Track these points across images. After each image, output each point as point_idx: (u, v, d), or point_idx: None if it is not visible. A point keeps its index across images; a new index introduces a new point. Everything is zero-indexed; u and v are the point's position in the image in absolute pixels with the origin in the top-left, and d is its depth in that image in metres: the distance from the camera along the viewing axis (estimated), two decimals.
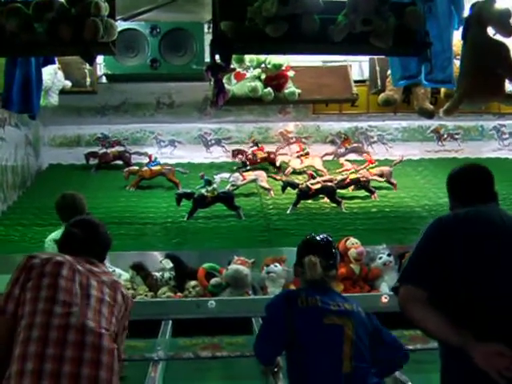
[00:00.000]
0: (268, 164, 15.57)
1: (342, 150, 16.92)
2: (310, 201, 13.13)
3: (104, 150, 16.04)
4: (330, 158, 16.57)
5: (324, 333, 3.75)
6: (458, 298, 3.28)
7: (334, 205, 12.84)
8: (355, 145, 17.12)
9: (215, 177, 13.25)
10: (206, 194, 12.15)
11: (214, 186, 12.39)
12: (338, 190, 13.11)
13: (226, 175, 13.77)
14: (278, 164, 15.48)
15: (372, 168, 14.40)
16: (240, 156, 15.85)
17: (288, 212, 12.65)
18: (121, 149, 16.18)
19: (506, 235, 3.39)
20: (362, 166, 14.30)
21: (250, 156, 15.55)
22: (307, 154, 15.71)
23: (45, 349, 3.16)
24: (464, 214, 3.51)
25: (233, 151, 16.13)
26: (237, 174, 13.80)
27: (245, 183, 13.79)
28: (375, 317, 4.01)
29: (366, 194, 13.62)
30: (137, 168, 14.67)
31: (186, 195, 12.25)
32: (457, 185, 3.77)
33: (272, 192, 13.81)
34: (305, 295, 3.85)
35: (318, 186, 12.77)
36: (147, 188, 14.58)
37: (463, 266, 3.29)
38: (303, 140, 17.09)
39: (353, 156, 16.73)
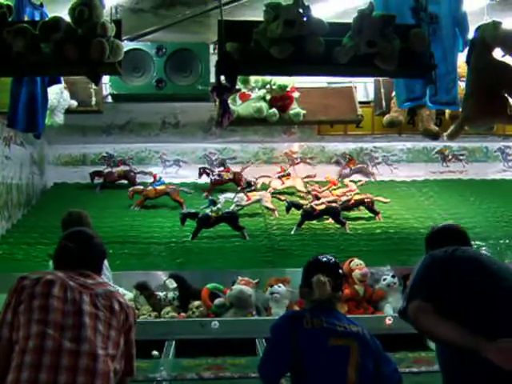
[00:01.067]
0: (234, 185, 15.43)
1: (347, 171, 16.95)
2: (314, 221, 13.12)
3: (109, 169, 16.07)
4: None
5: (329, 354, 3.72)
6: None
7: (339, 226, 12.83)
8: (360, 166, 17.16)
9: (220, 197, 13.26)
10: (210, 213, 12.15)
11: (219, 206, 12.39)
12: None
13: (230, 195, 13.77)
14: (259, 186, 15.30)
15: (334, 190, 14.44)
16: (205, 175, 15.80)
17: (292, 232, 12.64)
18: (126, 168, 16.19)
19: (499, 276, 3.57)
20: (325, 188, 14.36)
21: (216, 176, 15.55)
22: (288, 174, 15.70)
23: (38, 374, 3.13)
24: (452, 250, 3.73)
25: (199, 169, 16.00)
26: (241, 195, 13.80)
27: (249, 203, 13.79)
28: (379, 342, 3.99)
29: (371, 215, 13.60)
30: (141, 187, 14.68)
31: (190, 215, 12.25)
32: (435, 241, 4.05)
33: (276, 212, 13.80)
34: (310, 316, 3.83)
35: (323, 206, 12.77)
36: (152, 207, 14.58)
37: (457, 301, 3.47)
38: (308, 161, 17.17)
39: (357, 177, 16.78)
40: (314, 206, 12.75)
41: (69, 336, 3.26)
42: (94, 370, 3.24)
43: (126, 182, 15.69)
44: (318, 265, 4.08)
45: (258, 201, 13.89)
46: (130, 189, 14.56)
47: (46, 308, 3.30)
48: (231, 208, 13.02)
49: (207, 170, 15.82)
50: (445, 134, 7.65)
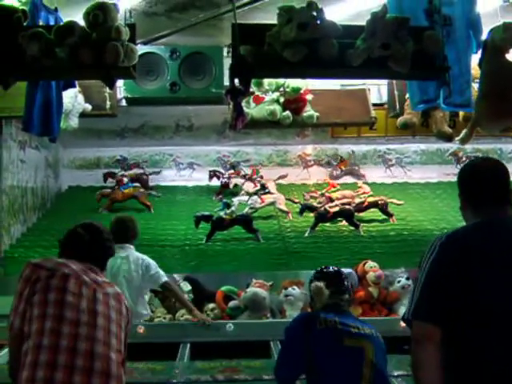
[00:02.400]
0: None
1: (338, 172, 16.98)
2: (328, 224, 13.12)
3: (122, 172, 16.05)
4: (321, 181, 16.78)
5: (343, 355, 3.74)
6: (478, 308, 3.13)
7: (353, 228, 12.82)
8: (350, 167, 17.18)
9: (234, 199, 13.29)
10: (224, 216, 12.17)
11: (233, 208, 12.40)
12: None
13: (244, 198, 13.80)
14: (231, 187, 15.45)
15: (334, 192, 14.42)
16: (215, 178, 15.80)
17: (306, 235, 12.65)
18: (138, 171, 16.20)
19: None
20: (324, 190, 14.35)
21: (226, 179, 15.54)
22: (261, 177, 15.66)
23: (54, 373, 3.15)
24: (477, 228, 3.34)
25: (209, 172, 16.07)
26: (255, 197, 13.82)
27: (263, 206, 13.81)
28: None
29: (384, 217, 13.59)
30: (109, 191, 14.65)
31: (204, 218, 12.27)
32: (468, 185, 3.58)
33: (290, 215, 13.81)
34: (323, 317, 3.85)
35: (336, 209, 12.77)
36: (165, 210, 14.61)
37: (481, 279, 3.15)
38: (322, 163, 17.21)
39: (348, 178, 16.84)
40: (328, 209, 12.75)
41: (84, 334, 3.28)
42: (109, 373, 3.27)
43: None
44: (317, 274, 4.21)
45: (272, 203, 13.90)
46: (98, 192, 14.52)
47: (61, 303, 3.31)
48: (245, 211, 13.04)
49: (217, 173, 15.84)
50: (456, 138, 7.64)
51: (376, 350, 3.78)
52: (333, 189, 14.98)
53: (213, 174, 15.83)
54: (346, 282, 4.16)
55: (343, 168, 17.13)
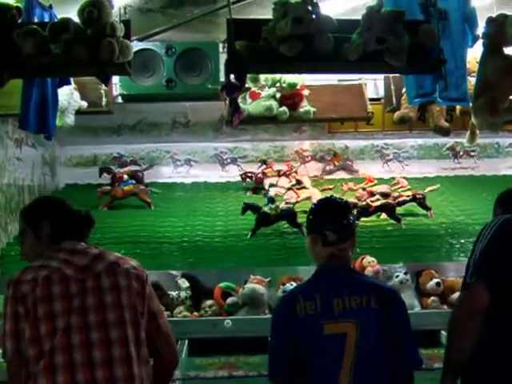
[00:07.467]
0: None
1: (331, 167, 16.95)
2: None
3: (118, 170, 15.74)
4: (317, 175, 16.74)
5: (323, 346, 3.32)
6: None
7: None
8: (344, 163, 17.13)
9: (270, 190, 13.24)
10: (269, 211, 12.02)
11: (277, 203, 12.29)
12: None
13: (280, 190, 13.75)
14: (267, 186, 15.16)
15: (371, 186, 14.25)
16: (249, 179, 15.70)
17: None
18: (133, 168, 16.05)
19: None
20: (362, 185, 14.21)
21: (259, 175, 15.43)
22: (295, 172, 15.55)
23: None
24: None
25: (241, 175, 15.88)
26: (290, 192, 13.69)
27: (299, 201, 13.66)
28: (405, 313, 3.63)
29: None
30: (109, 188, 14.46)
31: (252, 208, 12.05)
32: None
33: None
34: (303, 299, 3.38)
35: (378, 203, 12.50)
36: (163, 207, 14.57)
37: None
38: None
39: (342, 174, 16.80)
40: (370, 203, 12.51)
41: (96, 339, 3.11)
42: (131, 377, 3.12)
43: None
44: (319, 217, 3.63)
45: (308, 198, 13.69)
46: (99, 189, 14.32)
47: (68, 312, 3.13)
48: (281, 206, 12.87)
49: (249, 174, 15.63)
50: (464, 140, 7.65)
51: (363, 329, 3.32)
52: (370, 183, 14.67)
53: (245, 177, 15.64)
54: (349, 220, 3.59)
55: (336, 163, 17.06)
